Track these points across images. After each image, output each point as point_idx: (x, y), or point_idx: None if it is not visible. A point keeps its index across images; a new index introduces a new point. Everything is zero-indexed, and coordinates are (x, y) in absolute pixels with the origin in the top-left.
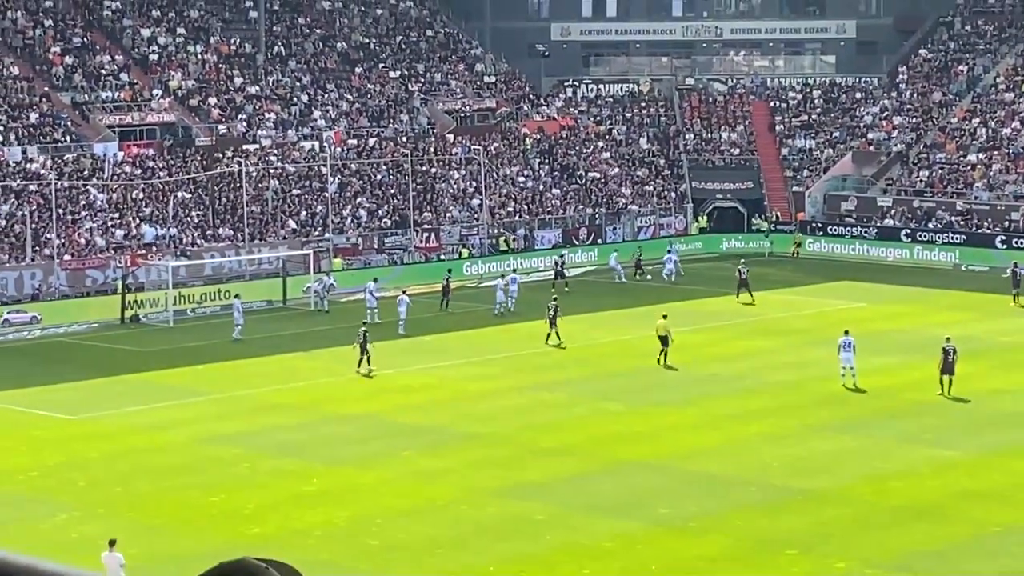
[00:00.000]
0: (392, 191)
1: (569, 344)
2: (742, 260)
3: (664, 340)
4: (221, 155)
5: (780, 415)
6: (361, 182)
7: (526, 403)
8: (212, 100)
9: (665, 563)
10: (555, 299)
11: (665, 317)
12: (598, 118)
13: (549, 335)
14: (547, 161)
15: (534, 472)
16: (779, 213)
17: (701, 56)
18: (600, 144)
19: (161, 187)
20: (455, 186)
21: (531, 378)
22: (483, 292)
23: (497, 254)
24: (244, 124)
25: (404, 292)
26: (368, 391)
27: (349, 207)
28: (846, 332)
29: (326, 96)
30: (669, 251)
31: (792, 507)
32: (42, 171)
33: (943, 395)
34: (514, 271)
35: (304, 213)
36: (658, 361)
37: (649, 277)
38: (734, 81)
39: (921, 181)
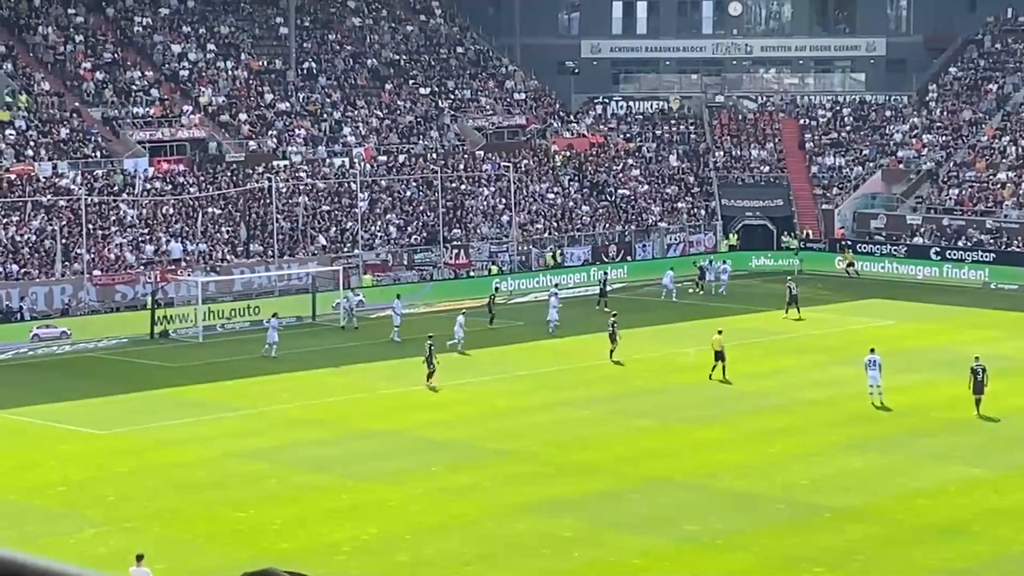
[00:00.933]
0: (422, 208)
1: (599, 361)
2: (789, 276)
3: (719, 355)
4: (251, 171)
5: (808, 433)
6: (391, 198)
7: (555, 420)
8: (242, 116)
9: None
10: (615, 315)
11: (720, 332)
12: (628, 135)
13: (612, 351)
14: (577, 178)
15: (562, 488)
16: (810, 231)
17: (731, 73)
18: (630, 161)
19: (191, 203)
20: (485, 203)
21: (561, 395)
22: (513, 309)
23: (529, 271)
24: (274, 140)
25: (462, 313)
26: (397, 407)
27: (379, 223)
28: (872, 350)
29: (356, 113)
30: (724, 263)
31: (819, 524)
32: (72, 186)
33: (977, 415)
34: (556, 286)
35: (334, 229)
36: (710, 376)
37: (723, 291)
38: (764, 98)
39: (951, 199)
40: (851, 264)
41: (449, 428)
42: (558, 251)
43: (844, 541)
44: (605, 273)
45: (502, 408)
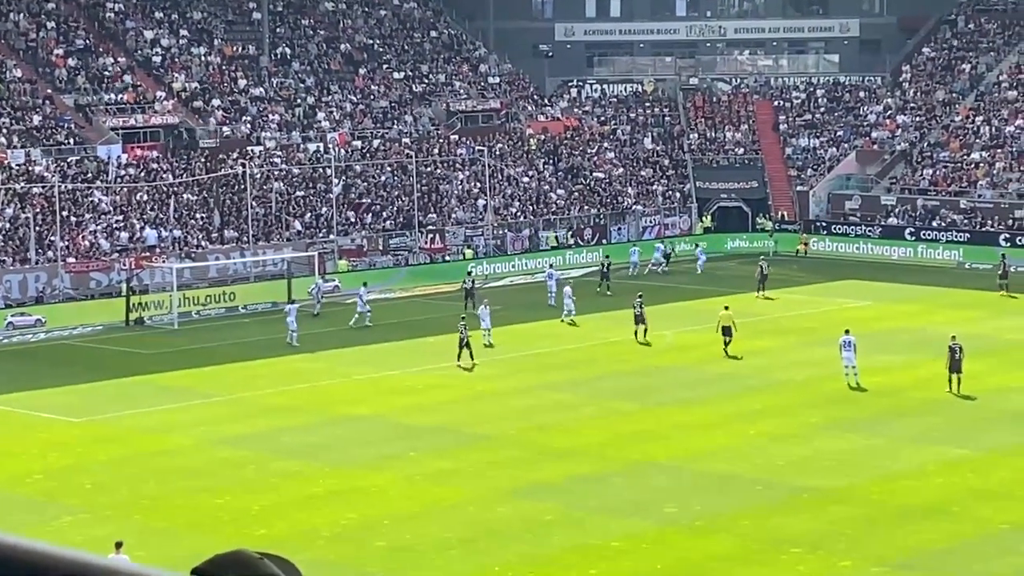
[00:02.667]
0: (397, 192)
1: (579, 343)
2: (762, 256)
3: (727, 331)
4: (225, 157)
5: (787, 414)
6: (366, 184)
7: (535, 403)
8: (216, 102)
9: (673, 562)
10: (640, 295)
11: (727, 308)
12: (602, 118)
13: (637, 332)
14: (551, 161)
15: (543, 472)
16: (785, 212)
17: (705, 56)
18: (604, 144)
19: (165, 189)
20: (459, 187)
21: (540, 378)
22: (489, 292)
23: (505, 255)
24: (248, 126)
25: (484, 304)
26: (375, 392)
27: (354, 208)
28: (847, 331)
29: (330, 98)
30: (698, 246)
31: (799, 506)
32: (46, 174)
33: (951, 392)
34: (551, 266)
35: (309, 215)
36: (725, 352)
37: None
38: (738, 80)
39: (925, 180)
40: (805, 244)
41: (428, 413)
42: (568, 234)
43: (825, 522)
44: (607, 256)
45: (481, 392)
